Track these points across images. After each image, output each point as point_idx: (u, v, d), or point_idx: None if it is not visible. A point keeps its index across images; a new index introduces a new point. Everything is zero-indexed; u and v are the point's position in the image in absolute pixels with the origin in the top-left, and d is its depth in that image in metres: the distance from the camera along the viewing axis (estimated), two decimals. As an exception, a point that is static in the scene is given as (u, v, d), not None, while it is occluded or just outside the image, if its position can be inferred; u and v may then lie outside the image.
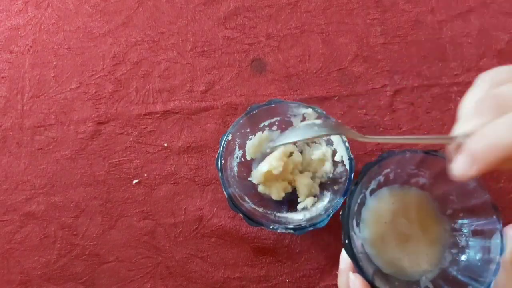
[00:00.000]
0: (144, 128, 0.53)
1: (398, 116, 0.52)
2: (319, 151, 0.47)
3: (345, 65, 0.54)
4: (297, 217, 0.45)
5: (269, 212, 0.46)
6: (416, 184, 0.41)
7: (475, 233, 0.37)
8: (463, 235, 0.38)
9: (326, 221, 0.41)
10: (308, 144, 0.48)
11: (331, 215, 0.41)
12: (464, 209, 0.38)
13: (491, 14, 0.55)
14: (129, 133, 0.53)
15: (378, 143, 0.52)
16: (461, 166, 0.27)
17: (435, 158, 0.36)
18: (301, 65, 0.55)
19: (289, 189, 0.47)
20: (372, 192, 0.40)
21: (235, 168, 0.47)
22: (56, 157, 0.53)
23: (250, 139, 0.47)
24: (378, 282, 0.33)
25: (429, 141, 0.33)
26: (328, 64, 0.54)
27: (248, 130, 0.46)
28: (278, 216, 0.46)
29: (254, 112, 0.44)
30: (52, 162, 0.53)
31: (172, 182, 0.52)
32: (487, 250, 0.35)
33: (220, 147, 0.43)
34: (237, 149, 0.46)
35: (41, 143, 0.54)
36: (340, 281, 0.36)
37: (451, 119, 0.52)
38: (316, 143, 0.48)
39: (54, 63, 0.56)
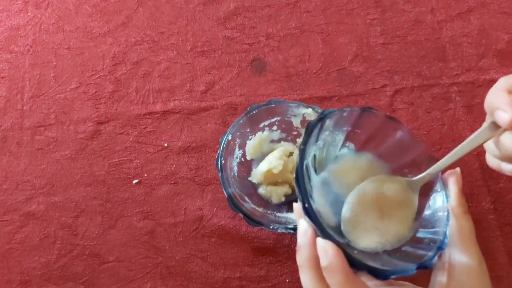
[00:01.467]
0: (144, 128, 0.53)
1: (398, 116, 0.52)
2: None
3: (345, 65, 0.54)
4: (297, 217, 0.45)
5: (269, 212, 0.46)
6: (356, 145, 0.39)
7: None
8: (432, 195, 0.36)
9: None
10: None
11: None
12: (406, 165, 0.37)
13: (491, 14, 0.55)
14: (129, 133, 0.53)
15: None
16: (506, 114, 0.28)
17: (370, 114, 0.36)
18: (301, 65, 0.55)
19: (289, 192, 0.47)
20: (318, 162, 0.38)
21: (235, 168, 0.47)
22: (56, 157, 0.53)
23: (250, 139, 0.47)
24: (345, 248, 0.30)
25: (476, 141, 0.32)
26: (328, 64, 0.54)
27: (248, 130, 0.46)
28: (278, 216, 0.46)
29: (254, 112, 0.44)
30: (52, 162, 0.53)
31: (172, 182, 0.52)
32: (432, 200, 0.35)
33: (220, 147, 0.43)
34: (237, 149, 0.46)
35: (41, 143, 0.54)
36: (300, 258, 0.32)
37: (451, 119, 0.52)
38: None
39: (54, 63, 0.56)
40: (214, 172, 0.52)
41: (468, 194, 0.50)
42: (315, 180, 0.37)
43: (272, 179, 0.47)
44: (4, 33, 0.58)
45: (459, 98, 0.52)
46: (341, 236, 0.35)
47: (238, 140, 0.46)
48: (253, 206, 0.45)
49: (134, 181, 0.52)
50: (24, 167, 0.53)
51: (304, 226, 0.32)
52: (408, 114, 0.52)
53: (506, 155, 0.31)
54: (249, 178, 0.48)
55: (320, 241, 0.30)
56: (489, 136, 0.31)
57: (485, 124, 0.32)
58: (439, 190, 0.34)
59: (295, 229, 0.41)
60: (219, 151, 0.43)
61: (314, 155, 0.37)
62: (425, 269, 0.31)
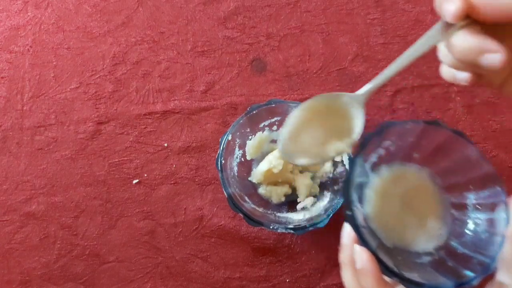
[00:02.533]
0: (144, 128, 0.53)
1: (398, 116, 0.52)
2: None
3: (345, 65, 0.54)
4: (297, 217, 0.45)
5: (269, 212, 0.46)
6: (417, 159, 0.40)
7: (479, 206, 0.36)
8: (467, 209, 0.37)
9: (326, 221, 0.41)
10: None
11: (331, 215, 0.41)
12: (467, 182, 0.37)
13: (491, 14, 0.55)
14: (129, 133, 0.53)
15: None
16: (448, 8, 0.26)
17: (436, 129, 0.35)
18: (301, 65, 0.55)
19: (289, 192, 0.47)
20: (373, 167, 0.40)
21: (235, 168, 0.47)
22: (56, 157, 0.53)
23: (250, 139, 0.47)
24: (381, 255, 0.32)
25: (425, 44, 0.30)
26: (328, 64, 0.54)
27: (248, 130, 0.46)
28: (278, 216, 0.46)
29: (254, 112, 0.44)
30: (52, 162, 0.53)
31: (172, 182, 0.52)
32: (491, 222, 0.34)
33: (220, 147, 0.43)
34: (237, 149, 0.46)
35: (41, 143, 0.54)
36: (343, 256, 0.35)
37: (451, 119, 0.52)
38: None
39: (54, 63, 0.56)
40: (214, 172, 0.52)
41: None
42: (371, 185, 0.39)
43: (272, 179, 0.47)
44: (4, 33, 0.58)
45: (459, 98, 0.52)
46: (389, 240, 0.38)
47: (238, 140, 0.46)
48: (253, 206, 0.45)
49: (134, 181, 0.52)
50: (24, 167, 0.53)
51: (348, 229, 0.34)
52: (408, 114, 0.52)
53: (459, 58, 0.28)
54: (249, 178, 0.48)
55: (357, 246, 0.32)
56: (439, 39, 0.29)
57: (435, 26, 0.29)
58: (502, 214, 0.33)
59: (295, 229, 0.41)
60: (219, 151, 0.43)
61: (374, 162, 0.39)
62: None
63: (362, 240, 0.32)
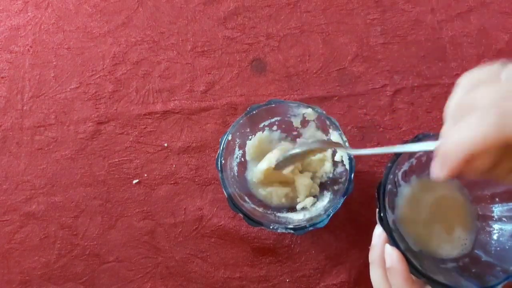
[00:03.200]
0: (144, 128, 0.53)
1: (398, 116, 0.52)
2: (319, 151, 0.46)
3: (345, 65, 0.54)
4: (297, 217, 0.45)
5: (269, 212, 0.46)
6: None
7: (504, 218, 0.38)
8: (492, 220, 0.40)
9: (326, 221, 0.41)
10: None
11: (331, 215, 0.41)
12: (493, 195, 0.40)
13: (491, 14, 0.55)
14: (129, 133, 0.53)
15: (378, 143, 0.52)
16: (434, 169, 0.28)
17: None
18: (301, 65, 0.55)
19: (290, 193, 0.47)
20: (404, 176, 0.42)
21: (235, 168, 0.47)
22: (56, 157, 0.53)
23: (250, 139, 0.47)
24: (409, 256, 0.34)
25: (413, 149, 0.33)
26: (328, 64, 0.54)
27: (248, 130, 0.46)
28: (278, 216, 0.46)
29: (254, 112, 0.44)
30: (52, 162, 0.53)
31: (172, 182, 0.52)
32: None
33: (220, 147, 0.43)
34: (237, 149, 0.46)
35: (41, 143, 0.54)
36: (373, 255, 0.37)
37: (451, 119, 0.51)
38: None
39: (54, 63, 0.56)
40: (214, 172, 0.52)
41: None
42: (401, 193, 0.42)
43: (272, 179, 0.47)
44: (4, 33, 0.58)
45: (459, 98, 0.52)
46: (416, 246, 0.40)
47: (238, 140, 0.46)
48: (253, 206, 0.45)
49: (134, 181, 0.52)
50: (24, 167, 0.53)
51: (379, 230, 0.37)
52: (408, 114, 0.52)
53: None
54: (249, 178, 0.48)
55: (388, 246, 0.35)
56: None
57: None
58: None
59: (295, 229, 0.41)
60: (219, 151, 0.43)
61: (405, 171, 0.42)
62: None
63: (393, 241, 0.34)
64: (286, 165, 0.43)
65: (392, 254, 0.34)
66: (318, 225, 0.41)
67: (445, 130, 0.28)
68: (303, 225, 0.41)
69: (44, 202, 0.52)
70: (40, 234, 0.51)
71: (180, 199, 0.51)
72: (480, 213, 0.41)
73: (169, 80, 0.55)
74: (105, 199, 0.51)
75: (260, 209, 0.45)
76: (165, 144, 0.53)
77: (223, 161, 0.43)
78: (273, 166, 0.45)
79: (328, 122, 0.43)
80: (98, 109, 0.54)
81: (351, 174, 0.41)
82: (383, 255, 0.35)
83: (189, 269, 0.49)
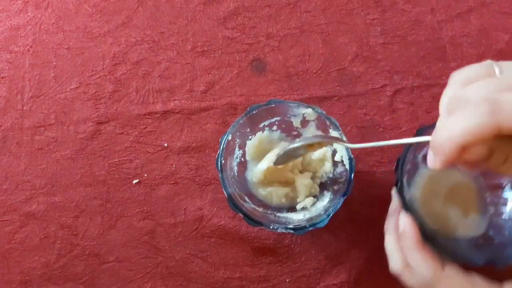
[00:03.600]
0: (144, 128, 0.53)
1: (398, 116, 0.52)
2: (319, 151, 0.46)
3: (345, 65, 0.54)
4: (297, 217, 0.45)
5: (269, 212, 0.46)
6: None
7: None
8: (504, 205, 0.43)
9: (326, 221, 0.41)
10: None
11: (331, 215, 0.41)
12: (505, 183, 0.43)
13: (491, 14, 0.55)
14: (129, 133, 0.53)
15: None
16: (429, 159, 0.30)
17: None
18: (301, 65, 0.55)
19: (290, 194, 0.47)
20: (423, 159, 0.44)
21: (235, 168, 0.47)
22: (56, 157, 0.53)
23: (250, 139, 0.47)
24: (422, 222, 0.36)
25: (411, 141, 0.34)
26: (328, 64, 0.54)
27: (248, 130, 0.46)
28: (278, 216, 0.46)
29: (254, 112, 0.44)
30: (52, 162, 0.53)
31: (172, 182, 0.52)
32: None
33: (220, 147, 0.43)
34: (237, 149, 0.46)
35: (41, 143, 0.54)
36: (388, 224, 0.39)
37: (451, 119, 0.51)
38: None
39: (54, 63, 0.56)
40: (214, 172, 0.52)
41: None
42: (421, 173, 0.45)
43: (272, 179, 0.47)
44: (4, 33, 0.58)
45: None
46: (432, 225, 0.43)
47: (238, 140, 0.46)
48: (253, 206, 0.45)
49: (134, 181, 0.52)
50: (24, 167, 0.53)
51: (395, 202, 0.39)
52: (408, 114, 0.52)
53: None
54: (249, 178, 0.48)
55: (402, 213, 0.37)
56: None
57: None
58: None
59: (295, 229, 0.41)
60: (219, 151, 0.43)
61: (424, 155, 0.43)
62: (493, 266, 0.36)
63: (406, 209, 0.36)
64: (286, 160, 0.43)
65: (404, 219, 0.36)
66: (318, 225, 0.41)
67: (439, 123, 0.29)
68: (303, 225, 0.41)
69: (44, 202, 0.52)
70: (40, 234, 0.51)
71: (180, 199, 0.51)
72: (495, 198, 0.44)
73: (169, 80, 0.55)
74: (105, 199, 0.51)
75: (260, 209, 0.45)
76: (165, 144, 0.53)
77: (223, 161, 0.43)
78: (272, 164, 0.45)
79: (328, 122, 0.43)
80: (98, 109, 0.54)
81: (351, 174, 0.41)
82: (397, 224, 0.37)
83: (189, 269, 0.49)
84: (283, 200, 0.47)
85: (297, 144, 0.41)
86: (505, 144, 0.28)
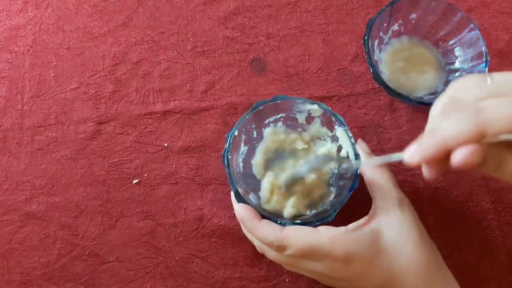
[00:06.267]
0: (144, 128, 0.53)
1: (398, 116, 0.52)
2: (325, 148, 0.47)
3: (345, 65, 0.54)
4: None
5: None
6: (421, 33, 0.53)
7: (462, 47, 0.50)
8: (455, 59, 0.51)
9: (333, 216, 0.41)
10: (313, 141, 0.48)
11: (338, 210, 0.41)
12: (450, 33, 0.51)
13: (491, 14, 0.55)
14: (129, 133, 0.53)
15: (378, 143, 0.52)
16: (409, 151, 0.32)
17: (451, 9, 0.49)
18: (301, 65, 0.55)
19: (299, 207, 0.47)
20: (394, 35, 0.53)
21: (241, 164, 0.47)
22: (56, 157, 0.53)
23: (255, 135, 0.47)
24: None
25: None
26: (328, 64, 0.54)
27: (254, 126, 0.46)
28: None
29: (260, 108, 0.44)
30: (52, 162, 0.53)
31: (172, 182, 0.52)
32: (475, 57, 0.48)
33: (226, 142, 0.43)
34: (242, 144, 0.46)
35: (41, 143, 0.54)
36: (237, 216, 0.42)
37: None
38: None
39: (54, 63, 0.56)
40: (214, 172, 0.52)
41: (468, 194, 0.50)
42: (387, 50, 0.54)
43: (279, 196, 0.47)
44: (4, 33, 0.58)
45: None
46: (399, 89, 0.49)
47: (244, 136, 0.46)
48: (258, 201, 0.45)
49: (134, 181, 0.52)
50: (24, 167, 0.53)
51: (238, 208, 0.42)
52: (408, 114, 0.52)
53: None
54: (254, 172, 0.47)
55: (235, 204, 0.42)
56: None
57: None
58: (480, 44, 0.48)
59: (303, 224, 0.41)
60: (225, 147, 0.43)
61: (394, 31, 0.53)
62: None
63: (239, 199, 0.41)
64: (294, 186, 0.45)
65: (237, 208, 0.41)
66: (326, 220, 0.41)
67: (428, 126, 0.32)
68: (310, 220, 0.41)
69: (44, 202, 0.52)
70: (40, 234, 0.51)
71: (180, 199, 0.51)
72: (448, 61, 0.52)
73: (169, 80, 0.55)
74: (105, 199, 0.51)
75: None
76: (165, 144, 0.53)
77: (229, 157, 0.43)
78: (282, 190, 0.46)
79: (333, 119, 0.44)
80: (98, 109, 0.54)
81: (357, 170, 0.42)
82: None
83: (189, 269, 0.49)
84: (291, 210, 0.46)
85: (304, 168, 0.44)
86: (497, 150, 0.29)
